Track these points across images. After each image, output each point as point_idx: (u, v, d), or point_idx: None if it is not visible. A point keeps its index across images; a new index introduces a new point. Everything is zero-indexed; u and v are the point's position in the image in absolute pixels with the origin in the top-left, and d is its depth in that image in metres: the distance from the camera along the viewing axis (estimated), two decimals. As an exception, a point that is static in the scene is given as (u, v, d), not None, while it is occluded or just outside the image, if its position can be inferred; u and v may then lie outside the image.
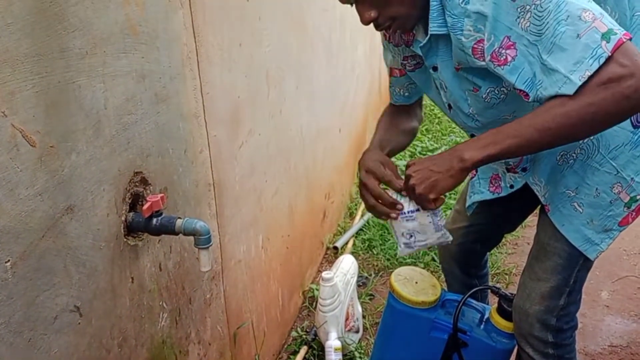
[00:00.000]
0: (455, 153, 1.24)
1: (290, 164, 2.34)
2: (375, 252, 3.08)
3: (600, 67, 1.06)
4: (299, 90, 2.40)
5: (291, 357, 2.26)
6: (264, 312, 2.09)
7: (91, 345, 1.07)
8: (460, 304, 1.64)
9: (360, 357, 2.22)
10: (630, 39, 1.08)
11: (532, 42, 1.12)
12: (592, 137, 1.28)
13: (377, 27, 1.30)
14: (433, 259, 2.95)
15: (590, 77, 1.06)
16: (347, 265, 2.36)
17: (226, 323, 1.73)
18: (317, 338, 2.28)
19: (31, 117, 0.89)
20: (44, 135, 0.92)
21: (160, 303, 1.32)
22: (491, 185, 1.65)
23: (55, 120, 0.94)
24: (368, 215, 3.42)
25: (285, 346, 2.35)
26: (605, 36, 1.06)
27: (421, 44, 1.32)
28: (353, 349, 2.25)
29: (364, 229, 3.32)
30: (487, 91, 1.30)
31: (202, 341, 1.56)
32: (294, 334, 2.39)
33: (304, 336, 2.34)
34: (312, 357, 2.24)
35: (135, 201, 1.21)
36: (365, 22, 1.26)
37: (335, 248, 3.06)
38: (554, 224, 1.44)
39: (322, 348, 2.22)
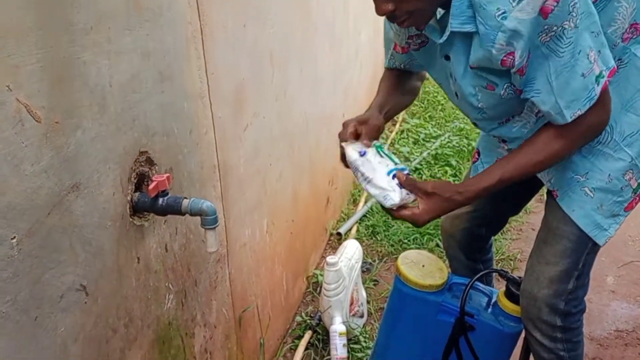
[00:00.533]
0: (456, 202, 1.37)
1: (294, 148, 2.32)
2: (379, 238, 3.07)
3: (587, 110, 1.22)
4: (302, 73, 2.38)
5: (296, 341, 2.26)
6: (269, 296, 2.08)
7: (97, 325, 1.06)
8: (468, 288, 1.63)
9: (365, 342, 2.22)
10: (613, 75, 1.25)
11: (544, 54, 1.18)
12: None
13: (391, 20, 1.27)
14: (437, 245, 2.94)
15: (579, 116, 1.23)
16: (351, 251, 2.35)
17: (231, 306, 1.73)
18: (321, 323, 2.28)
19: (36, 92, 0.87)
20: (48, 111, 0.90)
21: (166, 284, 1.31)
22: None
23: (60, 96, 0.93)
24: (372, 201, 3.41)
25: (290, 330, 2.35)
26: (597, 79, 1.20)
27: (441, 41, 1.28)
28: (358, 334, 2.24)
29: (367, 215, 3.31)
30: (505, 87, 1.29)
31: (208, 324, 1.55)
32: (298, 318, 2.38)
33: (309, 321, 2.33)
34: (316, 342, 2.24)
35: (141, 181, 1.20)
36: (381, 13, 1.23)
37: (339, 234, 3.05)
38: (564, 209, 1.43)
39: (326, 333, 2.22)
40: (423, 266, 1.72)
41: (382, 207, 1.40)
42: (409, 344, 1.77)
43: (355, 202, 3.52)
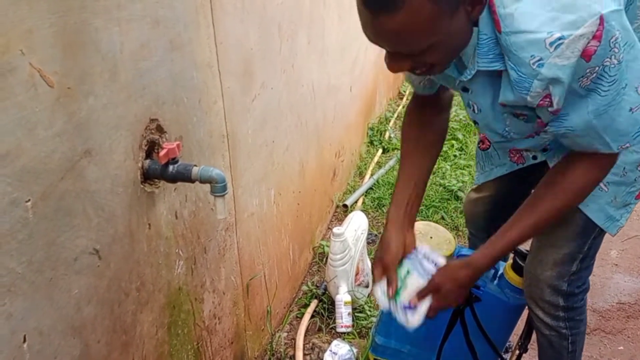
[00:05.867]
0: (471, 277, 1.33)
1: (301, 120, 2.32)
2: (384, 210, 3.08)
3: None
4: (310, 45, 2.37)
5: (302, 309, 2.29)
6: (276, 265, 2.11)
7: (110, 288, 1.08)
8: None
9: (369, 311, 2.25)
10: None
11: (581, 95, 1.07)
12: None
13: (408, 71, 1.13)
14: (442, 218, 2.96)
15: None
16: (357, 222, 2.37)
17: (239, 274, 1.75)
18: (327, 292, 2.31)
19: (49, 57, 0.88)
20: (61, 76, 0.91)
21: (177, 251, 1.33)
22: (512, 155, 1.62)
23: (72, 62, 0.93)
24: (378, 174, 3.42)
25: (296, 299, 2.38)
26: None
27: (463, 79, 1.17)
28: (362, 303, 2.28)
29: (373, 187, 3.32)
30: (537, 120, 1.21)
31: (217, 290, 1.58)
32: (304, 288, 2.42)
33: (314, 290, 2.37)
34: (322, 310, 2.27)
35: (151, 149, 1.21)
36: (397, 71, 1.09)
37: (345, 206, 3.07)
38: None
39: (332, 302, 2.26)
40: (431, 238, 1.73)
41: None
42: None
43: (361, 175, 3.54)
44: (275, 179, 2.05)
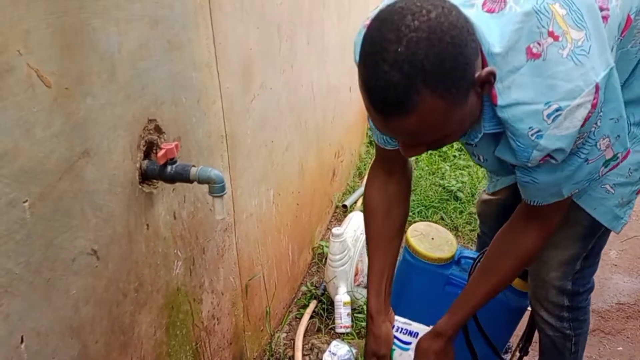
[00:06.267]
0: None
1: (300, 121, 2.32)
2: (384, 211, 3.08)
3: None
4: (310, 46, 2.37)
5: (301, 310, 2.29)
6: (275, 266, 2.11)
7: (109, 289, 1.08)
8: (477, 261, 1.64)
9: (369, 312, 2.25)
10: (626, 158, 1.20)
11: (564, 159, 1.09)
12: (621, 118, 1.19)
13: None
14: (442, 218, 2.96)
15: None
16: (357, 223, 2.37)
17: (238, 274, 1.75)
18: (326, 292, 2.31)
19: (46, 58, 0.88)
20: (59, 76, 0.91)
21: (175, 251, 1.33)
22: None
23: (70, 62, 0.93)
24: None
25: (295, 300, 2.38)
26: (607, 162, 1.16)
27: (470, 141, 1.17)
28: (362, 303, 2.27)
29: (373, 188, 3.32)
30: None
31: (216, 291, 1.58)
32: (303, 288, 2.42)
33: (314, 291, 2.37)
34: (321, 311, 2.27)
35: (150, 149, 1.21)
36: (411, 157, 1.09)
37: (344, 206, 3.07)
38: (584, 208, 1.39)
39: (331, 302, 2.25)
40: (432, 239, 1.73)
41: None
42: (416, 315, 1.79)
43: (360, 175, 3.53)
44: (275, 180, 2.05)
